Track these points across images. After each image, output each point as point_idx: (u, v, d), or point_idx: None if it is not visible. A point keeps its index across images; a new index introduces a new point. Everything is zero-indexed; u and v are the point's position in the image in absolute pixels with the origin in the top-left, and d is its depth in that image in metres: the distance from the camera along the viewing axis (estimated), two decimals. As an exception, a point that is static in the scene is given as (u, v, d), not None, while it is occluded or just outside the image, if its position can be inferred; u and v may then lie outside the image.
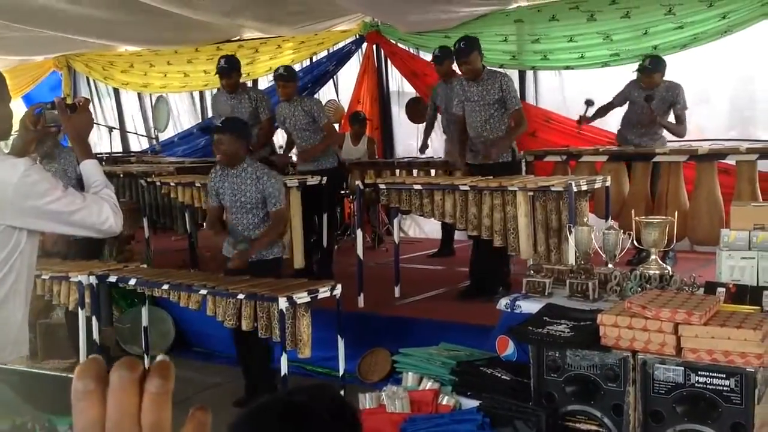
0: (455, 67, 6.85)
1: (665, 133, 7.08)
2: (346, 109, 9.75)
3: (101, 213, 2.59)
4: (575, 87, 8.37)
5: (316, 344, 4.54)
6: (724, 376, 3.10)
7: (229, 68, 7.11)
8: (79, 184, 2.79)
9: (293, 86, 6.98)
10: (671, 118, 6.96)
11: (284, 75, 6.92)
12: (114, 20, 8.96)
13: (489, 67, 6.35)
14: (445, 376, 4.07)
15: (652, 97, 6.86)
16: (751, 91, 7.86)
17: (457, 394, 3.93)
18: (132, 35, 10.10)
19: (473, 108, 6.21)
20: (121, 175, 7.97)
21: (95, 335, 5.11)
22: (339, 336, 4.69)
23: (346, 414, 1.05)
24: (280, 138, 8.34)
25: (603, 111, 7.35)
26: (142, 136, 11.77)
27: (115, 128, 11.32)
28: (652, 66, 6.88)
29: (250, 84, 9.41)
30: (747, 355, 3.07)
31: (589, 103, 7.19)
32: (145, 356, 5.30)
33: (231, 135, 4.85)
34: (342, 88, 10.35)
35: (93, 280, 5.08)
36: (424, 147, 8.33)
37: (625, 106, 7.19)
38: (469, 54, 6.07)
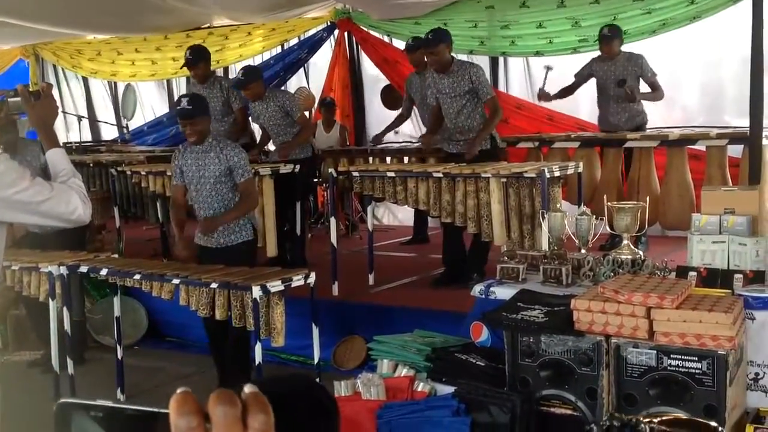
0: None
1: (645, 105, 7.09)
2: (317, 97, 9.69)
3: (69, 202, 2.55)
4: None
5: (291, 333, 4.53)
6: (697, 359, 3.13)
7: (195, 59, 6.96)
8: (44, 176, 2.74)
9: (257, 85, 6.80)
10: (645, 88, 6.98)
11: (242, 80, 6.75)
12: (80, 7, 8.81)
13: (458, 59, 6.34)
14: (420, 362, 4.07)
15: (625, 80, 6.87)
16: (721, 77, 7.91)
17: (432, 381, 3.93)
18: (99, 22, 9.92)
19: (445, 100, 6.23)
20: (91, 165, 7.90)
21: (66, 326, 5.06)
22: (313, 324, 4.68)
23: (323, 404, 1.03)
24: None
25: (566, 92, 7.37)
26: (111, 124, 11.61)
27: (83, 117, 11.16)
28: (611, 33, 6.91)
29: (221, 73, 9.32)
30: (719, 337, 3.10)
31: (548, 68, 7.18)
32: (118, 347, 5.24)
33: (201, 115, 4.88)
34: (313, 76, 10.28)
35: (63, 270, 5.02)
36: (382, 135, 8.18)
37: (592, 89, 7.20)
38: (436, 45, 6.07)
